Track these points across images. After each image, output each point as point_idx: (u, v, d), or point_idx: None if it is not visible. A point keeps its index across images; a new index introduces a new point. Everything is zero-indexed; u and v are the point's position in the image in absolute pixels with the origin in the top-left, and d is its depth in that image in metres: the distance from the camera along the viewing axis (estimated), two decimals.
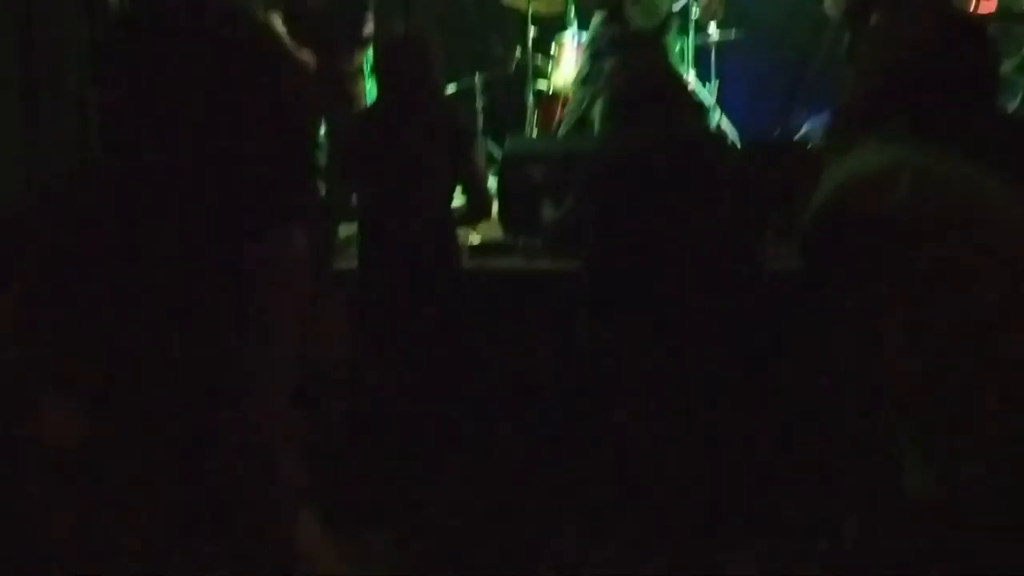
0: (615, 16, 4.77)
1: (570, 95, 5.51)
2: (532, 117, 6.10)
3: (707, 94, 6.13)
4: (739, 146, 4.54)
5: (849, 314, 1.60)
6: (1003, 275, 1.52)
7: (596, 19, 4.88)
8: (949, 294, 1.51)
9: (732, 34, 6.19)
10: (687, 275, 2.72)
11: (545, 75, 6.16)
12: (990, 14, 5.89)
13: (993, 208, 1.58)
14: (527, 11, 5.95)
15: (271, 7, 5.07)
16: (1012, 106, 5.95)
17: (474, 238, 4.33)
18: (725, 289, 2.77)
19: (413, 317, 3.34)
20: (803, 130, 6.12)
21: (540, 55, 6.12)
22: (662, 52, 4.77)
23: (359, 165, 3.48)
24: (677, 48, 5.89)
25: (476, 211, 3.69)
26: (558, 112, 5.86)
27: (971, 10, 4.34)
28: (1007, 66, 6.00)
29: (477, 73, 5.97)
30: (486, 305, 3.78)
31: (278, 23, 5.02)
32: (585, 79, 4.80)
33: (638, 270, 2.75)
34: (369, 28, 5.20)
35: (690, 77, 5.99)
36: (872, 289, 1.52)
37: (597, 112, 4.69)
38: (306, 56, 4.98)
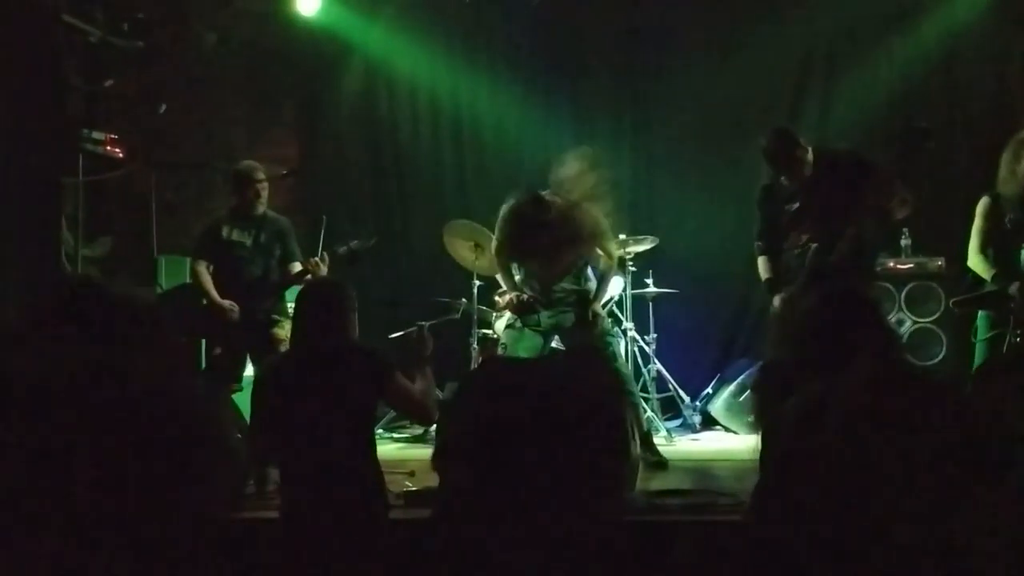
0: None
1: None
2: (476, 360, 6.26)
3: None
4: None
5: None
6: None
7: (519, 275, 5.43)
8: None
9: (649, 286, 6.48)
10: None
11: (489, 323, 6.40)
12: (907, 269, 6.34)
13: None
14: (472, 267, 6.29)
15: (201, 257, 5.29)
16: (938, 356, 6.21)
17: (409, 485, 4.27)
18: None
19: (334, 567, 3.22)
20: (739, 380, 6.31)
21: (483, 306, 6.38)
22: None
23: (270, 408, 3.41)
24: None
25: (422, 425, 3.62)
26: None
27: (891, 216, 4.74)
28: (930, 320, 6.32)
29: (418, 322, 6.14)
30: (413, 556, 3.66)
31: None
32: (511, 325, 5.36)
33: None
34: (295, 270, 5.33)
35: (630, 328, 6.23)
36: None
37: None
38: (227, 303, 5.13)
